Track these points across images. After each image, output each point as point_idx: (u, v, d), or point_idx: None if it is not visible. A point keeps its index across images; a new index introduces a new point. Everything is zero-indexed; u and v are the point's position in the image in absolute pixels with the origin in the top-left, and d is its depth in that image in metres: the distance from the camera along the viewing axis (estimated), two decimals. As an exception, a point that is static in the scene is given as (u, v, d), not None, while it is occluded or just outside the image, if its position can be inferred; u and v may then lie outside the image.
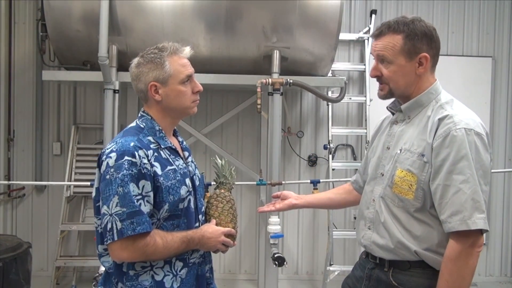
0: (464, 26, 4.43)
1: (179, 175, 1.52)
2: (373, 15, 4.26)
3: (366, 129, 4.15)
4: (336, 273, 3.97)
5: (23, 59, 4.21)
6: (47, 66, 3.82)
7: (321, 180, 3.55)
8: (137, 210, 1.38)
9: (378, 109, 4.07)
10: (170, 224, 1.50)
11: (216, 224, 1.62)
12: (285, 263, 2.95)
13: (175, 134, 1.67)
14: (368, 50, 4.22)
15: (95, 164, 1.53)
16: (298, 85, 3.40)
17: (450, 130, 1.41)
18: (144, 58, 1.53)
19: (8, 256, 3.10)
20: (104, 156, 1.44)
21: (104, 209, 1.40)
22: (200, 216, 1.62)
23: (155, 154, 1.48)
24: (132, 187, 1.39)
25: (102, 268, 1.81)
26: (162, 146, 1.53)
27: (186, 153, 1.67)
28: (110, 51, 3.31)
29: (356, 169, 4.28)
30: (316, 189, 3.26)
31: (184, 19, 3.35)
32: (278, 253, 3.02)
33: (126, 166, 1.39)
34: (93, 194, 1.53)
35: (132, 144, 1.43)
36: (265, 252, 3.64)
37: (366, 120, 4.17)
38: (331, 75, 3.96)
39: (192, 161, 1.68)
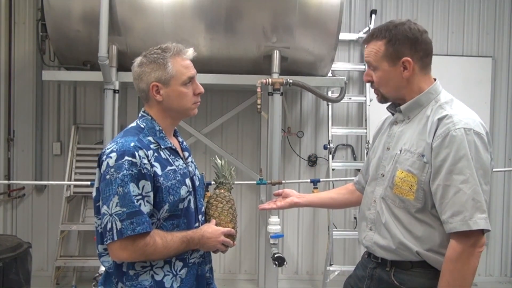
0: (464, 26, 4.43)
1: (179, 175, 1.52)
2: (373, 15, 4.25)
3: (366, 129, 4.15)
4: (336, 273, 3.97)
5: (23, 59, 4.21)
6: (47, 66, 3.82)
7: (321, 180, 3.55)
8: (137, 210, 1.39)
9: (378, 109, 4.06)
10: (170, 224, 1.50)
11: (216, 224, 1.62)
12: (285, 263, 2.95)
13: (175, 135, 1.67)
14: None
15: (95, 164, 1.53)
16: (298, 85, 3.40)
17: (449, 130, 1.41)
18: (147, 58, 1.54)
19: (8, 256, 3.09)
20: (104, 156, 1.44)
21: (104, 209, 1.40)
22: (200, 216, 1.62)
23: (155, 154, 1.48)
24: (132, 187, 1.39)
25: (102, 268, 1.81)
26: (162, 146, 1.53)
27: (186, 154, 1.67)
28: (110, 51, 3.31)
29: (356, 169, 4.33)
30: (316, 188, 3.26)
31: (184, 19, 3.35)
32: (278, 253, 3.02)
33: (126, 166, 1.39)
34: (93, 194, 1.53)
35: (132, 144, 1.44)
36: (265, 252, 3.65)
37: (366, 120, 4.17)
38: (331, 75, 3.96)
39: (192, 162, 1.68)
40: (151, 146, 1.50)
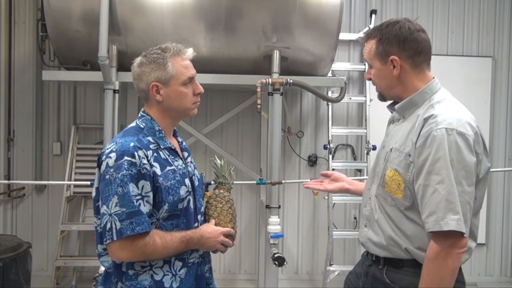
0: (464, 26, 4.42)
1: (178, 176, 1.52)
2: (373, 15, 4.25)
3: (366, 129, 4.15)
4: (336, 273, 3.97)
5: (23, 59, 4.21)
6: (47, 66, 3.82)
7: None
8: (137, 210, 1.39)
9: (378, 109, 4.07)
10: (169, 224, 1.50)
11: (215, 224, 1.62)
12: (285, 263, 2.95)
13: (174, 135, 1.68)
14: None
15: (95, 164, 1.53)
16: (298, 85, 3.40)
17: (431, 130, 1.41)
18: (147, 58, 1.54)
19: (8, 256, 3.10)
20: (104, 156, 1.44)
21: (103, 209, 1.40)
22: (199, 216, 1.62)
23: (155, 154, 1.49)
24: (131, 187, 1.39)
25: (102, 268, 1.81)
26: (162, 147, 1.53)
27: (186, 154, 1.67)
28: (110, 51, 3.31)
29: (356, 169, 4.33)
30: (316, 188, 3.25)
31: (184, 19, 3.35)
32: (278, 253, 3.03)
33: (126, 166, 1.40)
34: (93, 194, 1.53)
35: (132, 144, 1.44)
36: (265, 252, 3.65)
37: (366, 120, 4.17)
38: (331, 75, 3.96)
39: (191, 162, 1.68)
40: (151, 146, 1.50)
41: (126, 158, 1.40)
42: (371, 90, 4.15)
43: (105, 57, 3.18)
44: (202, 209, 1.66)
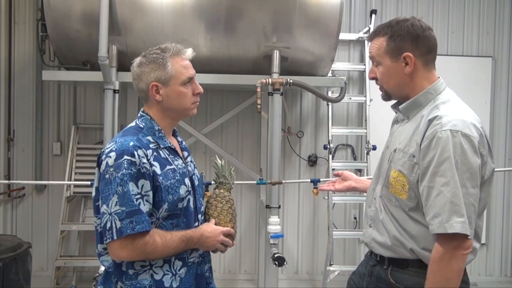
0: (464, 26, 4.42)
1: (178, 175, 1.52)
2: (373, 15, 4.25)
3: (366, 129, 4.15)
4: (336, 273, 3.97)
5: (23, 59, 4.21)
6: (47, 66, 3.82)
7: (321, 180, 3.54)
8: (136, 209, 1.39)
9: (378, 109, 4.07)
10: (169, 223, 1.50)
11: (215, 224, 1.62)
12: (285, 263, 2.95)
13: (174, 134, 1.68)
14: (368, 50, 4.22)
15: (95, 164, 1.53)
16: (298, 85, 3.40)
17: (436, 132, 1.41)
18: (146, 58, 1.54)
19: (8, 256, 3.09)
20: (104, 156, 1.44)
21: (103, 208, 1.40)
22: (199, 216, 1.62)
23: (154, 153, 1.49)
24: (131, 186, 1.39)
25: (102, 268, 1.81)
26: (161, 146, 1.53)
27: (185, 153, 1.67)
28: (110, 51, 3.31)
29: (356, 169, 4.33)
30: (316, 188, 3.25)
31: (184, 19, 3.35)
32: (278, 253, 3.02)
33: (126, 165, 1.40)
34: (93, 194, 1.53)
35: (131, 143, 1.44)
36: (265, 252, 3.64)
37: (366, 120, 4.16)
38: (331, 75, 3.96)
39: (191, 161, 1.68)
40: (150, 145, 1.50)
41: (125, 157, 1.41)
42: (371, 90, 4.15)
43: (105, 57, 3.18)
44: (202, 209, 1.66)
